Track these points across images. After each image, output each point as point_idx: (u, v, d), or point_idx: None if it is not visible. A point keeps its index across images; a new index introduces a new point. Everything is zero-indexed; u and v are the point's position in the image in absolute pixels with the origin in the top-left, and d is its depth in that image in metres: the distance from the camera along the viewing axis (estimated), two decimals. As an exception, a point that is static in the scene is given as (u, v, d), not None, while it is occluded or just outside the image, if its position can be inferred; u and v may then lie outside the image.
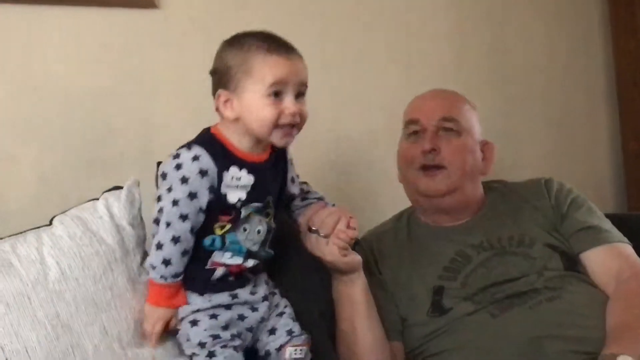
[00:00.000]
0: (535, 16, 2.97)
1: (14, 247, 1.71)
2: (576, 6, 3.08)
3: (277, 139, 1.68)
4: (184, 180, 1.62)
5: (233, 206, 1.67)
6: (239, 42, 1.71)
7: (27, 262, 1.68)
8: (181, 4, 2.28)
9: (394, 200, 1.89)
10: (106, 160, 2.10)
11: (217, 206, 1.66)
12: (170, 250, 1.63)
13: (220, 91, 1.71)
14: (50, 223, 1.79)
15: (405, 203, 2.05)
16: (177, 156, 1.65)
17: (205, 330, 1.68)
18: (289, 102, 1.66)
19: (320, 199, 1.89)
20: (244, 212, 1.69)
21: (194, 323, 1.69)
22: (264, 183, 1.72)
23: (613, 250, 2.02)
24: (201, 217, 1.65)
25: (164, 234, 1.63)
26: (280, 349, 1.77)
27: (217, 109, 1.72)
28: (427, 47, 2.72)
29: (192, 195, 1.63)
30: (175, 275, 1.65)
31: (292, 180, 1.85)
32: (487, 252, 2.03)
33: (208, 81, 2.06)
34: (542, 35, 2.98)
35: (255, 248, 1.72)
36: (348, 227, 1.80)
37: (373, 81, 2.60)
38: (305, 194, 1.89)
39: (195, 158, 1.64)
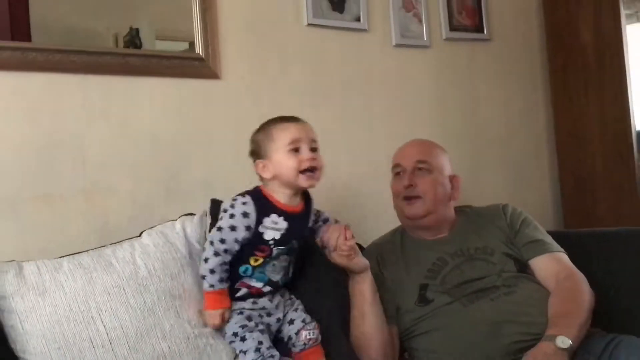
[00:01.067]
0: (497, 84, 2.96)
1: (113, 252, 1.74)
2: (526, 77, 3.08)
3: (303, 181, 1.71)
4: (231, 216, 1.68)
5: (267, 243, 1.70)
6: (262, 126, 1.78)
7: (123, 262, 1.71)
8: (237, 77, 2.28)
9: (377, 222, 1.87)
10: (180, 192, 2.11)
11: (255, 242, 1.70)
12: (213, 262, 1.67)
13: (257, 161, 1.75)
14: (140, 235, 1.82)
15: (381, 223, 2.04)
16: (234, 199, 1.71)
17: (235, 323, 1.71)
18: (305, 153, 1.70)
19: (326, 219, 1.88)
20: (275, 252, 1.72)
21: (227, 321, 1.71)
22: (294, 228, 1.74)
23: (553, 257, 2.01)
24: (236, 246, 1.68)
25: (208, 251, 1.68)
26: (297, 332, 1.77)
27: (259, 175, 1.76)
28: (414, 107, 2.72)
29: (232, 228, 1.67)
30: (221, 281, 1.68)
31: (316, 222, 1.87)
32: (459, 258, 2.02)
33: (253, 129, 2.07)
34: (502, 98, 2.98)
35: (276, 278, 1.76)
36: (345, 239, 1.81)
37: (376, 132, 2.61)
38: (318, 217, 1.87)
39: (244, 203, 1.69)
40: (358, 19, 2.56)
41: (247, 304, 1.74)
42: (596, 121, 2.92)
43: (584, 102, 2.95)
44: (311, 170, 1.71)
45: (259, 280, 1.73)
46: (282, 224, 1.71)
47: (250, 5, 2.33)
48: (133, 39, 2.10)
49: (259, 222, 1.69)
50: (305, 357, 1.78)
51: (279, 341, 1.78)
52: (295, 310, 1.82)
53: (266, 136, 1.74)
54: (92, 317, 1.59)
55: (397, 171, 2.12)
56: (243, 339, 1.68)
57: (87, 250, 1.76)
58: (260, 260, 1.72)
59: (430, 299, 1.95)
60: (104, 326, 1.59)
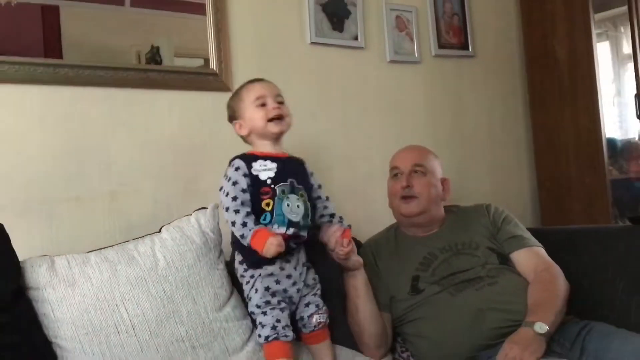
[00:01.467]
0: (481, 96, 2.96)
1: (135, 246, 1.74)
2: (507, 90, 3.07)
3: (272, 128, 1.73)
4: (229, 179, 1.68)
5: (266, 184, 1.68)
6: (234, 92, 1.83)
7: (144, 256, 1.70)
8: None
9: (371, 220, 1.87)
10: (197, 192, 2.10)
11: (256, 185, 1.67)
12: (240, 217, 1.63)
13: (234, 122, 1.79)
14: (160, 230, 1.81)
15: (375, 221, 2.02)
16: (227, 169, 1.71)
17: (260, 297, 1.68)
18: (270, 104, 1.73)
19: (332, 215, 1.83)
20: (278, 190, 1.68)
21: (255, 290, 1.69)
22: (285, 169, 1.72)
23: (532, 251, 2.00)
24: (247, 196, 1.66)
25: (230, 215, 1.64)
26: (310, 315, 1.76)
27: (238, 134, 1.79)
28: (406, 116, 2.71)
29: (234, 183, 1.66)
30: (251, 230, 1.62)
31: (319, 187, 1.84)
32: (448, 252, 2.01)
33: None
34: (485, 109, 2.97)
35: (296, 218, 1.68)
36: (342, 246, 1.78)
37: (372, 139, 2.60)
38: (325, 209, 1.83)
39: (233, 164, 1.70)
40: (356, 38, 2.56)
41: (275, 268, 1.70)
42: (570, 129, 2.91)
43: (559, 113, 2.95)
44: (278, 118, 1.74)
45: (280, 224, 1.66)
46: (271, 164, 1.71)
47: (258, 26, 2.33)
48: (154, 56, 2.11)
49: (249, 167, 1.69)
50: (312, 337, 1.77)
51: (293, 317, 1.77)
52: (315, 294, 1.80)
53: (237, 98, 1.79)
54: (116, 306, 1.59)
55: (395, 173, 2.11)
56: (264, 313, 1.67)
57: (112, 246, 1.75)
58: (271, 203, 1.67)
59: (421, 288, 1.94)
60: (128, 313, 1.59)
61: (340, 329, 1.88)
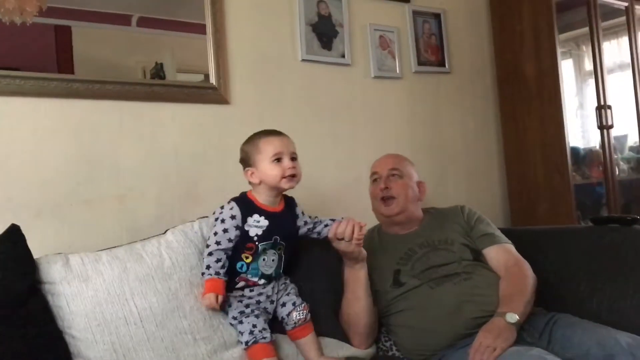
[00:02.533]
0: (456, 108, 2.98)
1: (143, 246, 1.74)
2: (480, 103, 3.09)
3: (285, 184, 1.72)
4: (222, 221, 1.68)
5: (252, 240, 1.69)
6: (250, 138, 1.78)
7: (152, 255, 1.71)
8: (244, 102, 2.28)
9: (361, 218, 1.88)
10: (198, 196, 2.11)
11: (243, 239, 1.69)
12: (209, 260, 1.67)
13: (246, 169, 1.75)
14: (165, 233, 1.82)
15: (367, 218, 1.98)
16: (222, 207, 1.72)
17: (235, 309, 1.71)
18: (286, 163, 1.71)
19: (333, 219, 1.83)
20: (260, 247, 1.70)
21: (229, 305, 1.72)
22: (275, 226, 1.73)
23: (503, 248, 2.01)
24: (230, 244, 1.68)
25: (207, 249, 1.69)
26: (288, 314, 1.77)
27: (248, 181, 1.76)
28: (389, 127, 2.72)
29: (225, 231, 1.67)
30: (217, 274, 1.66)
31: (305, 223, 1.83)
32: (426, 248, 2.02)
33: None
34: (460, 120, 2.99)
35: (269, 272, 1.73)
36: (360, 230, 1.79)
37: (358, 147, 2.60)
38: (319, 221, 1.84)
39: (231, 208, 1.69)
40: (343, 56, 2.57)
41: (246, 291, 1.74)
42: (537, 139, 2.93)
43: (527, 123, 2.97)
44: (292, 176, 1.72)
45: (253, 275, 1.72)
46: (264, 222, 1.71)
47: (254, 45, 2.34)
48: (158, 71, 2.11)
49: (244, 221, 1.70)
50: (296, 333, 1.78)
51: (275, 319, 1.79)
52: (288, 294, 1.80)
53: (254, 148, 1.74)
54: (126, 300, 1.60)
55: (375, 178, 2.13)
56: (241, 322, 1.69)
57: (121, 245, 1.76)
58: (250, 258, 1.71)
59: (402, 281, 1.95)
60: (136, 307, 1.60)
61: (325, 323, 1.88)
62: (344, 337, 1.91)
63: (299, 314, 1.77)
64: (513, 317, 1.70)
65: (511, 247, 2.03)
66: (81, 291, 1.57)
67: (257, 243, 1.70)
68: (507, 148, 3.08)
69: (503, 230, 2.12)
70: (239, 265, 1.71)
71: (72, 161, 1.92)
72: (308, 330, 1.78)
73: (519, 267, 1.93)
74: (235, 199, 1.73)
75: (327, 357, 1.78)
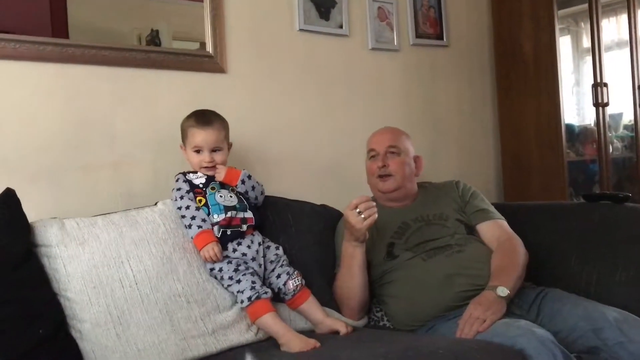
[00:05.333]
0: (453, 82, 2.98)
1: (138, 213, 1.78)
2: (477, 78, 3.08)
3: (203, 171, 1.85)
4: (177, 190, 1.82)
5: (198, 186, 1.81)
6: (188, 118, 1.90)
7: (147, 221, 1.75)
8: (240, 71, 2.28)
9: (353, 193, 1.89)
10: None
11: (192, 187, 1.81)
12: (188, 213, 1.77)
13: (180, 144, 1.90)
14: (156, 204, 1.85)
15: (356, 194, 1.98)
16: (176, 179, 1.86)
17: (228, 270, 1.75)
18: (204, 156, 1.83)
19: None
20: (208, 189, 1.81)
21: (220, 269, 1.76)
22: (211, 178, 1.85)
23: (495, 223, 2.05)
24: (190, 195, 1.79)
25: (180, 212, 1.79)
26: (285, 284, 1.82)
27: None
28: (385, 99, 2.73)
29: (178, 189, 1.80)
30: (200, 227, 1.75)
31: (252, 189, 1.91)
32: (420, 222, 2.05)
33: (253, 116, 2.20)
34: (457, 94, 2.99)
35: (231, 203, 1.81)
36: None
37: (355, 119, 2.61)
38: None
39: (176, 179, 1.83)
40: (341, 26, 2.56)
41: (230, 252, 1.78)
42: (532, 115, 2.94)
43: (523, 99, 2.97)
44: (207, 168, 1.85)
45: (217, 212, 1.79)
46: (201, 175, 1.85)
47: (251, 13, 2.34)
48: (153, 38, 2.11)
49: (185, 176, 1.83)
50: (296, 300, 1.82)
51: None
52: (281, 265, 1.85)
53: (184, 131, 1.88)
54: (122, 262, 1.63)
55: (372, 155, 2.14)
56: (239, 281, 1.73)
57: (116, 212, 1.78)
58: (203, 199, 1.80)
59: (396, 254, 1.98)
60: (132, 270, 1.64)
61: (318, 292, 1.91)
62: (336, 306, 1.96)
63: (295, 280, 1.82)
64: (504, 291, 1.74)
65: (504, 223, 2.06)
66: (78, 254, 1.60)
67: (203, 188, 1.81)
68: (502, 123, 3.09)
69: (496, 206, 2.15)
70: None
71: (68, 127, 1.92)
72: (306, 294, 1.83)
73: (511, 243, 1.97)
74: (182, 172, 1.88)
75: (333, 318, 1.82)
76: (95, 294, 1.57)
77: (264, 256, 1.84)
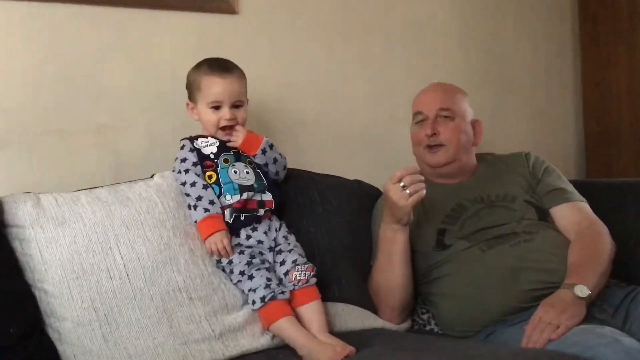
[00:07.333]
0: (525, 29, 2.94)
1: (129, 188, 1.79)
2: (556, 24, 3.05)
3: (221, 136, 1.87)
4: (182, 161, 1.83)
5: (209, 158, 1.82)
6: (197, 67, 1.89)
7: (140, 198, 1.76)
8: (255, 12, 2.28)
9: (393, 167, 1.88)
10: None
11: (200, 159, 1.81)
12: (194, 192, 1.77)
13: (188, 103, 1.90)
14: (152, 177, 1.87)
15: (404, 163, 1.98)
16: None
17: (240, 262, 1.76)
18: (224, 112, 1.84)
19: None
20: (220, 161, 1.82)
21: (230, 262, 1.77)
22: (226, 145, 1.86)
23: (575, 206, 2.03)
24: (198, 169, 1.81)
25: (184, 189, 1.79)
26: (287, 273, 1.80)
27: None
28: (436, 47, 2.71)
29: (183, 160, 1.81)
30: (206, 210, 1.76)
31: (274, 161, 1.93)
32: (479, 204, 2.04)
33: (270, 67, 2.22)
34: (529, 43, 2.95)
35: (248, 182, 1.83)
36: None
37: (396, 74, 2.59)
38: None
39: (181, 145, 1.85)
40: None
41: (243, 239, 1.80)
42: (624, 71, 2.91)
43: (613, 52, 2.93)
44: (229, 127, 1.85)
45: (231, 192, 1.80)
46: (213, 141, 1.86)
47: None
48: (149, -29, 2.11)
49: (192, 143, 1.84)
50: (296, 297, 1.78)
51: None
52: (290, 251, 1.85)
53: (195, 82, 1.87)
54: (110, 248, 1.65)
55: (419, 119, 2.12)
56: (251, 277, 1.74)
57: (102, 186, 1.80)
58: (214, 175, 1.81)
59: (448, 244, 1.98)
60: (122, 257, 1.65)
61: (347, 286, 1.94)
62: (371, 305, 1.97)
63: (300, 273, 1.80)
64: (583, 291, 1.72)
65: (585, 206, 2.04)
66: (57, 237, 1.62)
67: (215, 160, 1.82)
68: (586, 82, 3.05)
69: (575, 184, 2.13)
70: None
71: (44, 80, 1.94)
72: (311, 296, 1.80)
73: (594, 230, 1.95)
74: (187, 137, 1.90)
75: (331, 336, 1.74)
76: (77, 286, 1.59)
77: (275, 238, 1.86)
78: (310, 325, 1.74)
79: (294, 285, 1.78)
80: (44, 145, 1.94)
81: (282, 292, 1.73)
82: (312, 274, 1.81)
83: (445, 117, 2.09)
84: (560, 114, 3.07)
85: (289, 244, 1.87)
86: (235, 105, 1.86)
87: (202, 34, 2.18)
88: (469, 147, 2.13)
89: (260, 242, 1.81)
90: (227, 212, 1.79)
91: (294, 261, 1.82)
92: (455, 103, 2.12)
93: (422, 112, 2.12)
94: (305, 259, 1.85)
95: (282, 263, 1.82)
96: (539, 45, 2.99)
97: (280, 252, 1.84)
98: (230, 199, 1.80)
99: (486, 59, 2.83)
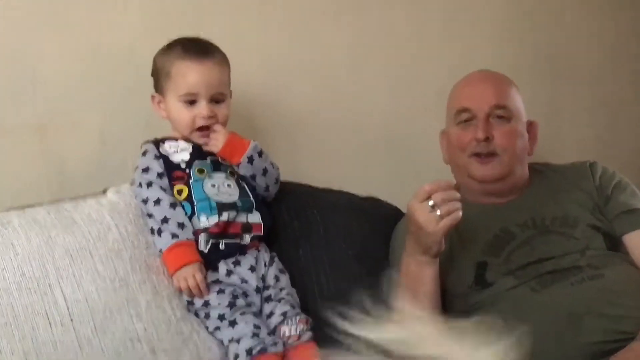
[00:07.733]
0: (588, 8, 2.96)
1: (75, 207, 1.79)
2: (627, 5, 3.06)
3: (196, 139, 1.87)
4: (137, 169, 1.84)
5: (179, 167, 1.82)
6: (168, 47, 1.89)
7: (89, 220, 1.76)
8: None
9: (421, 175, 1.87)
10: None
11: (168, 169, 1.81)
12: (159, 212, 1.77)
13: (153, 95, 1.90)
14: (104, 192, 1.88)
15: (426, 177, 1.94)
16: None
17: (219, 304, 1.77)
18: (201, 108, 1.84)
19: None
20: (193, 171, 1.82)
21: (206, 304, 1.78)
22: (201, 151, 1.86)
23: (656, 233, 2.03)
24: (164, 181, 1.80)
25: (146, 208, 1.79)
26: (277, 328, 1.81)
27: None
28: (478, 27, 2.72)
29: (145, 170, 1.80)
30: (175, 236, 1.75)
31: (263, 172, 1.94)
32: (531, 230, 2.04)
33: (259, 46, 2.24)
34: (593, 26, 2.96)
35: (229, 199, 1.83)
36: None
37: (426, 57, 2.61)
38: None
39: (143, 151, 1.85)
40: None
41: (222, 275, 1.80)
42: None
43: None
44: (205, 128, 1.85)
45: (206, 212, 1.80)
46: (184, 145, 1.86)
47: None
48: None
49: (159, 149, 1.84)
50: (288, 356, 1.79)
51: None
52: (280, 300, 1.86)
53: (165, 69, 1.86)
54: (49, 286, 1.64)
55: (464, 118, 2.10)
56: (233, 324, 1.74)
57: (41, 204, 1.80)
58: (185, 189, 1.81)
59: (490, 281, 1.98)
60: (65, 298, 1.65)
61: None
62: None
63: (290, 329, 1.81)
64: (666, 344, 1.73)
65: (670, 232, 2.04)
66: (-21, 271, 1.62)
67: (186, 170, 1.83)
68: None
69: (655, 202, 2.13)
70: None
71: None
72: (306, 355, 1.80)
73: (681, 265, 1.95)
74: (150, 140, 1.88)
75: None
76: (6, 335, 1.58)
77: (264, 277, 1.87)
78: None
79: (284, 342, 1.79)
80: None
81: (275, 344, 1.73)
82: (305, 327, 1.83)
83: (499, 117, 2.08)
84: (633, 112, 3.07)
85: (280, 289, 1.88)
86: (215, 100, 1.86)
87: (169, 5, 2.19)
88: (523, 157, 2.13)
89: (244, 281, 1.82)
90: (201, 238, 1.79)
91: (284, 313, 1.83)
92: (510, 99, 2.11)
93: (470, 109, 2.10)
94: (297, 310, 1.86)
95: (270, 315, 1.83)
96: (606, 27, 3.00)
97: (269, 299, 1.85)
98: (206, 220, 1.80)
99: (541, 43, 2.85)
